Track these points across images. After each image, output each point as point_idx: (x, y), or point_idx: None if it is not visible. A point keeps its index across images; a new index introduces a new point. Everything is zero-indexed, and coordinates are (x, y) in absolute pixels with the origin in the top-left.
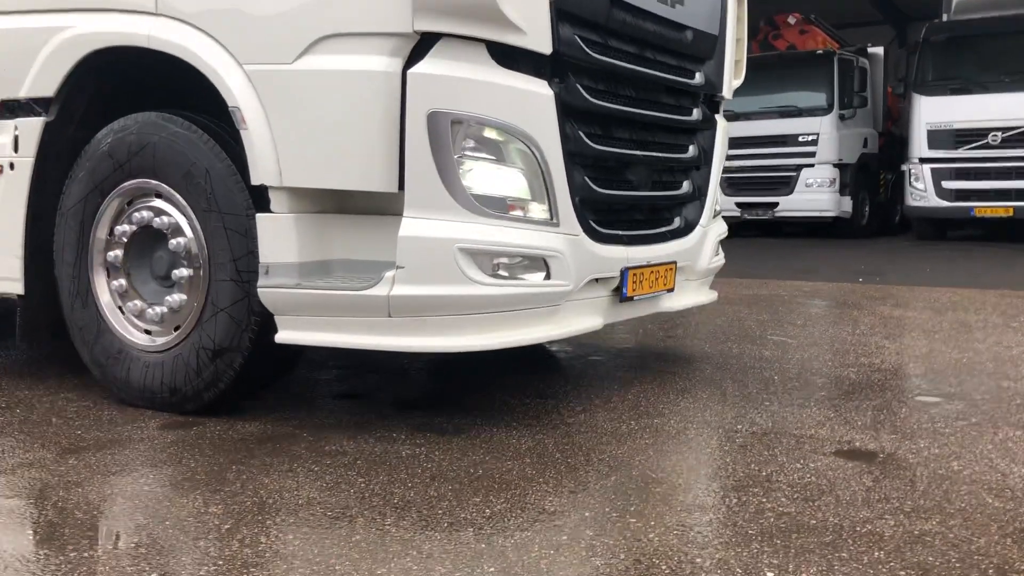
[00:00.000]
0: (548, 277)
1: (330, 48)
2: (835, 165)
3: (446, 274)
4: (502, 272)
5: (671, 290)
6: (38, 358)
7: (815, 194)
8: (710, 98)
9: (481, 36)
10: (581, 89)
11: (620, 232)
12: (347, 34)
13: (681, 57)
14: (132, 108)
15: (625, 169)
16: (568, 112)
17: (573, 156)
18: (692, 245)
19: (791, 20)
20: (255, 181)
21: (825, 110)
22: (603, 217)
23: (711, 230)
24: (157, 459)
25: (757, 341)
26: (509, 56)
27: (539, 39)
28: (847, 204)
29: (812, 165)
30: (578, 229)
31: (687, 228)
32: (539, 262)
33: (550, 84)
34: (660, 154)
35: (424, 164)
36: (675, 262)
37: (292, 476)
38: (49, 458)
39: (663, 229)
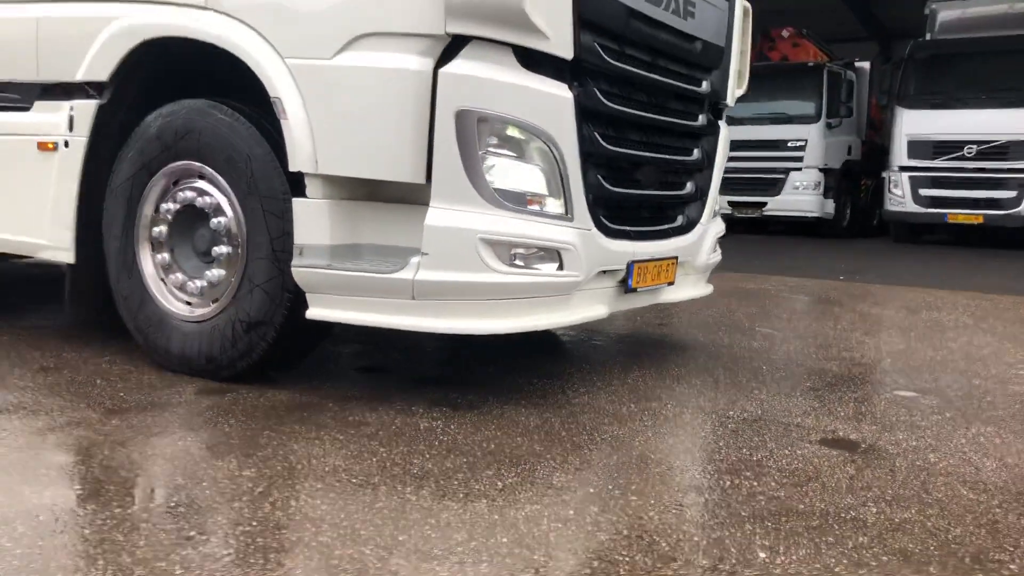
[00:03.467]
0: (561, 268)
1: (367, 46)
2: (820, 170)
3: (467, 262)
4: (519, 262)
5: (672, 283)
6: (84, 323)
7: (801, 196)
8: (714, 105)
9: (508, 40)
10: (598, 93)
11: (628, 228)
12: (383, 33)
13: (690, 66)
14: (177, 93)
15: (635, 169)
16: (585, 114)
17: (588, 156)
18: (693, 242)
19: (785, 33)
20: (293, 168)
21: (813, 118)
22: (613, 213)
23: (711, 228)
24: (194, 423)
25: (746, 333)
26: (533, 59)
27: (562, 45)
28: (830, 206)
29: (799, 169)
30: (590, 224)
31: (689, 226)
32: (553, 253)
33: (570, 87)
34: (667, 156)
35: (451, 158)
36: (676, 257)
37: (319, 444)
38: (94, 418)
39: (667, 226)
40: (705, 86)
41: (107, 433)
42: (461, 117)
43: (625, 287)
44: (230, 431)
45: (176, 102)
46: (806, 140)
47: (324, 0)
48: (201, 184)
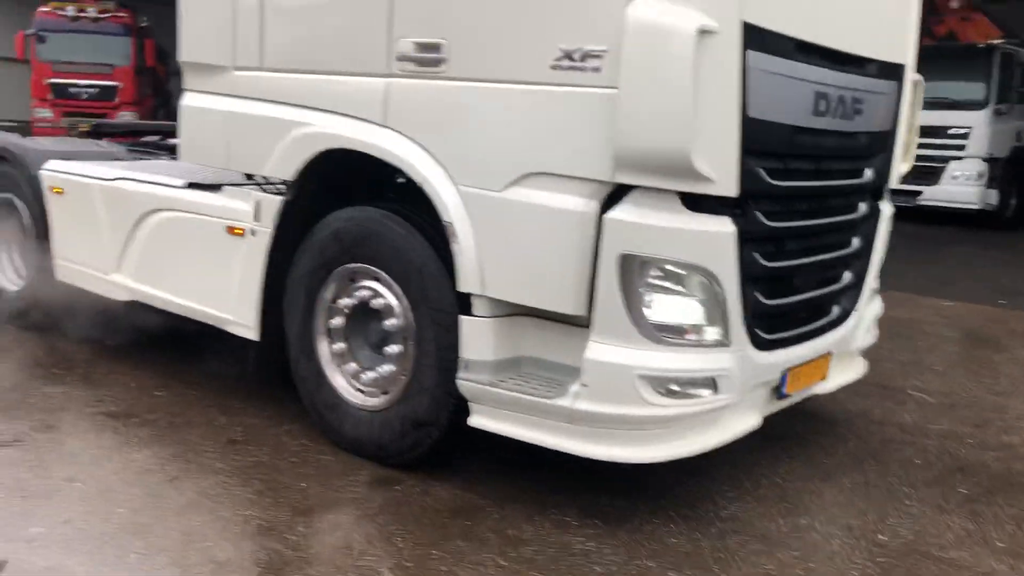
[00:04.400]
0: (716, 392)
1: (536, 183)
2: (984, 159)
3: (624, 396)
4: (674, 393)
5: (825, 379)
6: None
7: (961, 187)
8: (876, 188)
9: (673, 188)
10: (760, 215)
11: (782, 335)
12: (552, 174)
13: (853, 160)
14: (352, 191)
15: (792, 276)
16: (746, 239)
17: (748, 277)
18: (847, 332)
19: (954, 4)
20: (461, 288)
21: (980, 104)
22: (768, 324)
23: (867, 312)
24: (370, 532)
25: (897, 396)
26: (695, 199)
27: (726, 184)
28: (993, 197)
29: (960, 158)
30: (746, 343)
31: (843, 316)
32: (709, 380)
33: (732, 220)
34: (826, 255)
35: (612, 297)
36: (831, 352)
37: (483, 569)
38: (283, 522)
39: (821, 322)
40: (868, 175)
41: (295, 544)
42: (625, 261)
43: (778, 394)
44: (402, 546)
45: (355, 207)
46: (970, 128)
47: (499, 137)
48: (375, 286)
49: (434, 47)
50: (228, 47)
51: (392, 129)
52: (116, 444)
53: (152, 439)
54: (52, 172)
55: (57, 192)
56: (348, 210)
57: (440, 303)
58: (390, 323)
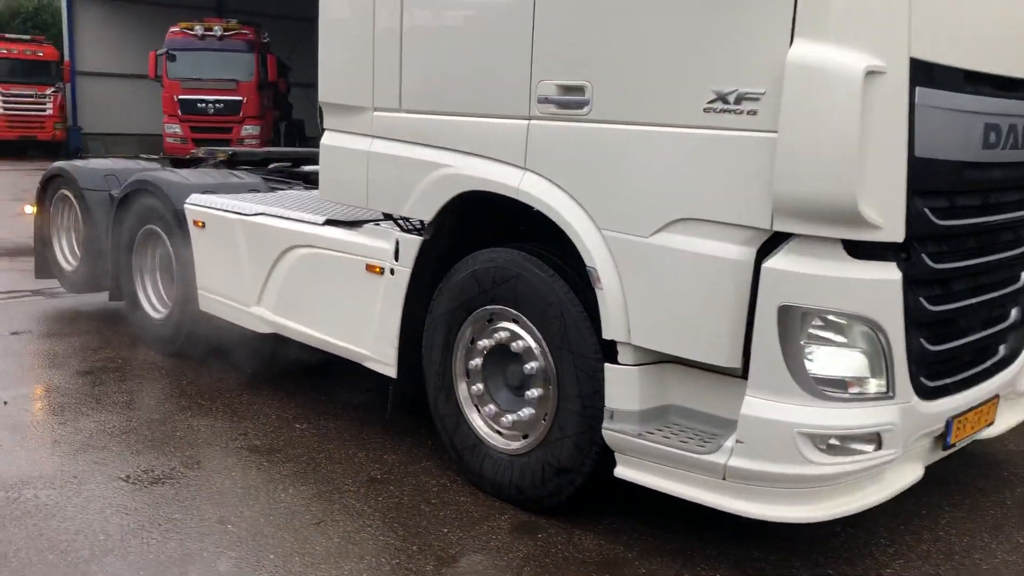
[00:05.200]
0: (878, 448)
1: (687, 229)
2: None
3: (783, 453)
4: (836, 449)
5: (991, 423)
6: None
7: None
8: None
9: (837, 236)
10: (926, 258)
11: (947, 381)
12: (704, 220)
13: (1021, 190)
14: (485, 229)
15: (959, 318)
16: (911, 284)
17: (912, 324)
18: (1015, 372)
19: None
20: (606, 336)
21: None
22: (933, 371)
23: None
24: None
25: None
26: (859, 246)
27: (893, 229)
28: None
29: None
30: (911, 394)
31: (1012, 356)
32: (873, 436)
33: (897, 265)
34: (994, 293)
35: (770, 350)
36: (997, 395)
37: None
38: (429, 571)
39: (987, 364)
40: None
41: None
42: (784, 312)
43: (943, 443)
44: None
45: (494, 249)
46: None
47: (646, 181)
48: (515, 328)
49: (578, 89)
50: (367, 88)
51: (533, 172)
52: (262, 482)
53: (295, 476)
54: (194, 207)
55: (199, 226)
56: (488, 251)
57: (583, 349)
58: (530, 367)
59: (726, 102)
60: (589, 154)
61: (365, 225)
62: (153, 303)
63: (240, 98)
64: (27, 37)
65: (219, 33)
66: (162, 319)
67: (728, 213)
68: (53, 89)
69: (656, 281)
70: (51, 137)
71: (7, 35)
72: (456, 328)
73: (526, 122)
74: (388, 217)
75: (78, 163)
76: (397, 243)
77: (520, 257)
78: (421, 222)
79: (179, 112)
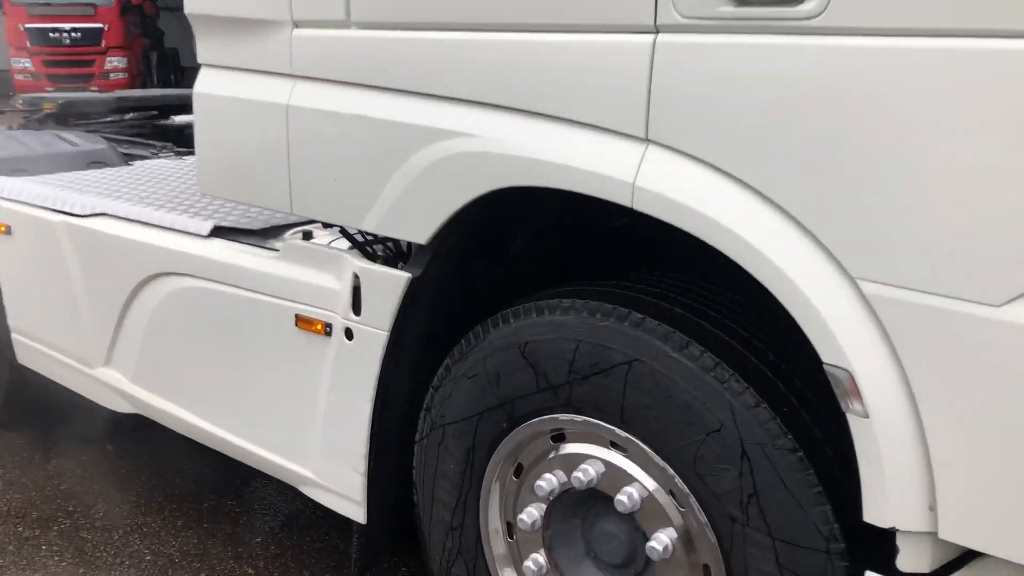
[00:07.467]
0: None
1: None
2: None
3: None
4: None
5: None
6: None
7: None
8: None
9: None
10: None
11: None
12: None
13: None
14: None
15: None
16: None
17: None
18: None
19: None
20: (876, 521)
21: None
22: None
23: None
24: None
25: None
26: None
27: None
28: None
29: None
30: None
31: None
32: None
33: None
34: None
35: None
36: None
37: None
38: None
39: None
40: None
41: None
42: None
43: None
44: None
45: (560, 299)
46: None
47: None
48: (617, 460)
49: None
50: None
51: (661, 145)
52: None
53: None
54: None
55: (3, 231)
56: (547, 303)
57: (794, 530)
58: (658, 540)
59: None
60: (819, 118)
61: (288, 236)
62: None
63: (101, 25)
64: None
65: None
66: None
67: None
68: None
69: (1008, 405)
70: None
71: None
72: (486, 448)
73: (650, 37)
74: (340, 230)
75: None
76: (356, 279)
77: (628, 325)
78: (400, 243)
79: (27, 43)
